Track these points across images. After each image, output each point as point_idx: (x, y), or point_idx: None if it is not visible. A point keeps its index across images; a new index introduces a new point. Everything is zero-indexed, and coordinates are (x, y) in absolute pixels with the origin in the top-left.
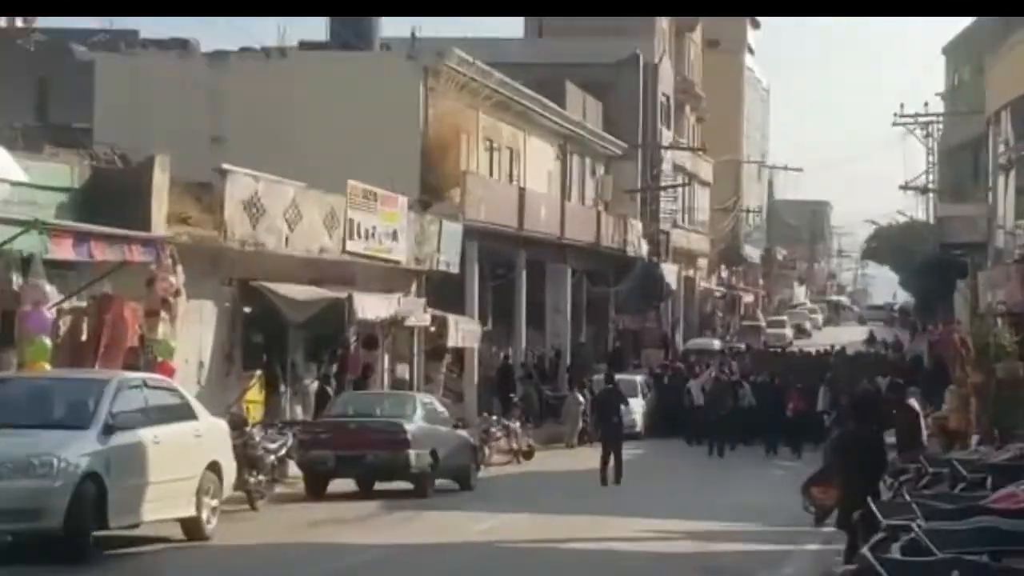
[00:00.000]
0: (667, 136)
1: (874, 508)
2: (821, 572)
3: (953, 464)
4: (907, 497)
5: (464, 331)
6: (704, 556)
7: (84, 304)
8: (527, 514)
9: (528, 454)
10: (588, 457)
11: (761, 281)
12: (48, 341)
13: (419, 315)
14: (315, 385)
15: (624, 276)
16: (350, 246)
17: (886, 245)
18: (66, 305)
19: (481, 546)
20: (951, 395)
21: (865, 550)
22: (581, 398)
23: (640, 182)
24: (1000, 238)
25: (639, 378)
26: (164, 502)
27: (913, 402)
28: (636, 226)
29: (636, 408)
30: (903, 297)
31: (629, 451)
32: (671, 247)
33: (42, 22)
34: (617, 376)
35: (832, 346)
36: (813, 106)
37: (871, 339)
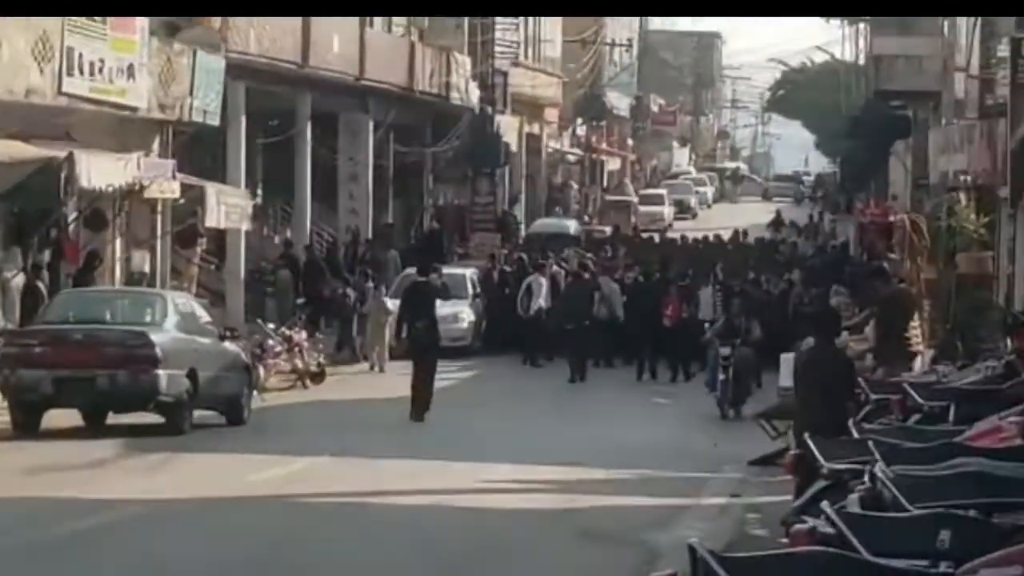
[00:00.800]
0: None
1: (813, 447)
2: (734, 533)
3: (904, 389)
4: (854, 433)
5: (227, 206)
6: (576, 514)
7: None
8: (324, 457)
9: (318, 376)
10: (399, 380)
11: (631, 142)
12: None
13: (165, 183)
14: (20, 279)
15: (446, 133)
16: (68, 85)
17: (798, 94)
18: None
19: (263, 502)
20: None
21: (825, 505)
22: (389, 303)
23: None
24: (959, 84)
25: (470, 272)
26: None
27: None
28: (463, 63)
29: (465, 312)
30: (820, 164)
31: (455, 372)
32: (510, 93)
33: None
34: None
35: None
36: None
37: (778, 221)
